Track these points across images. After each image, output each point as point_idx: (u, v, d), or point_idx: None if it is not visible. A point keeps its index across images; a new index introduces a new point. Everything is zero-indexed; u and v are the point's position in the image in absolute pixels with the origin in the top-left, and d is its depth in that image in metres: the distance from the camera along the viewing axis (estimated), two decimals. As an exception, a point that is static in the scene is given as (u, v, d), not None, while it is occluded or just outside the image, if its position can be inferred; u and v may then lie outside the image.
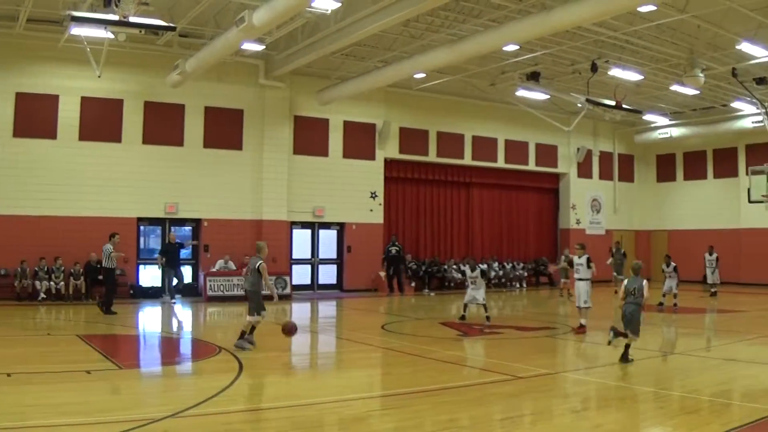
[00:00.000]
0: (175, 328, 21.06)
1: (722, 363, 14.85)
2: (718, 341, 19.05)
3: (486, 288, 21.41)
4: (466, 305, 21.11)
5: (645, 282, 14.27)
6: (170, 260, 25.95)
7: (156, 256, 26.88)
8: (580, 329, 18.80)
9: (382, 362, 15.51)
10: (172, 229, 27.78)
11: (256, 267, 15.38)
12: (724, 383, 12.70)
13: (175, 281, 26.09)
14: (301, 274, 31.16)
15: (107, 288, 22.38)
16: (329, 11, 21.53)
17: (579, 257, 19.25)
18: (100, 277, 24.01)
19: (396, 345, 17.09)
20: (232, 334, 18.39)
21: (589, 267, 19.04)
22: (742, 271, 37.34)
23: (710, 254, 30.64)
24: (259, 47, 25.67)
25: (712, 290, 30.69)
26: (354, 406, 10.61)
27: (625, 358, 13.98)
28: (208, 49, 23.77)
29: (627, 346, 14.06)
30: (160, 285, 27.03)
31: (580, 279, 19.18)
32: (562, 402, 11.38)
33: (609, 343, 14.22)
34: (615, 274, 31.40)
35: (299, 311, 25.69)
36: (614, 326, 14.23)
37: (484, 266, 25.35)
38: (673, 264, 25.87)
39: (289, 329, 15.38)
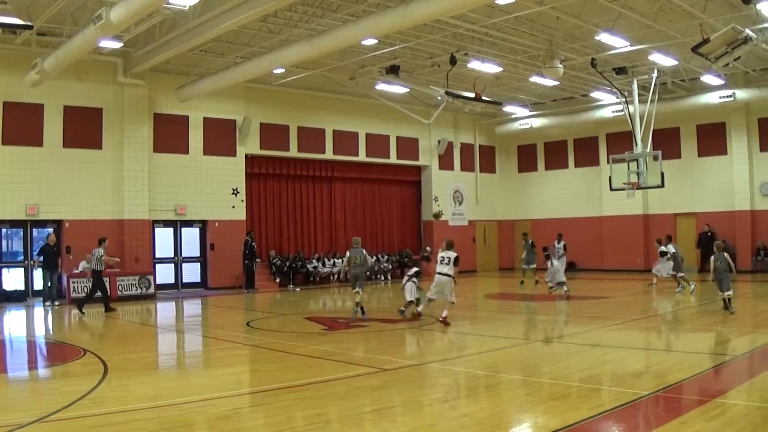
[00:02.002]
0: (42, 332, 21.12)
1: (588, 348, 15.62)
2: (584, 327, 19.57)
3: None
4: (419, 300, 20.75)
5: (725, 254, 20.89)
6: (49, 263, 26.12)
7: (34, 258, 27.19)
8: (419, 316, 20.47)
9: (248, 359, 15.86)
10: (49, 230, 27.93)
11: (365, 255, 22.02)
12: (591, 368, 13.41)
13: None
14: (164, 273, 31.76)
15: (93, 290, 23.94)
16: (187, 7, 21.80)
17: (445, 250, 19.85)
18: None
19: (262, 341, 17.85)
20: (98, 337, 19.56)
21: (455, 264, 19.60)
22: (605, 257, 40.13)
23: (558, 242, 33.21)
24: (117, 45, 25.98)
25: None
26: (221, 405, 10.86)
27: (729, 307, 20.68)
28: (66, 48, 24.11)
29: (729, 300, 20.69)
30: (23, 288, 27.75)
31: (444, 274, 19.51)
32: (429, 392, 11.92)
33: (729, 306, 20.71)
34: (525, 265, 33.24)
35: (164, 311, 26.31)
36: (724, 298, 20.83)
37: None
38: (563, 242, 27.88)
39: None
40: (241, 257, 32.80)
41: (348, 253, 22.17)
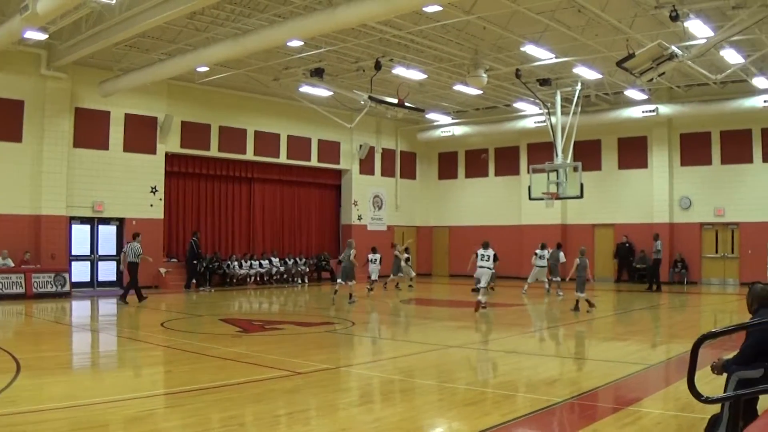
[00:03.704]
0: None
1: (504, 355, 16.12)
2: (501, 334, 20.28)
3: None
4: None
5: (586, 260, 24.85)
6: None
7: None
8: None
9: (162, 360, 15.87)
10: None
11: (351, 257, 27.70)
12: (506, 374, 13.85)
13: None
14: (80, 271, 31.49)
15: (130, 280, 26.84)
16: (114, 1, 21.75)
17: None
18: None
19: (176, 342, 17.79)
20: (12, 334, 19.64)
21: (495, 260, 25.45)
22: (523, 266, 40.81)
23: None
24: (42, 36, 25.33)
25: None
26: (134, 406, 10.79)
27: (579, 308, 24.35)
28: (-10, 37, 23.95)
29: (588, 301, 24.53)
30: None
31: (484, 267, 24.56)
32: (343, 396, 12.10)
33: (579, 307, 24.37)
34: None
35: (79, 309, 26.20)
36: (578, 299, 24.50)
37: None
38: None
39: None
40: (161, 256, 33.32)
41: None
